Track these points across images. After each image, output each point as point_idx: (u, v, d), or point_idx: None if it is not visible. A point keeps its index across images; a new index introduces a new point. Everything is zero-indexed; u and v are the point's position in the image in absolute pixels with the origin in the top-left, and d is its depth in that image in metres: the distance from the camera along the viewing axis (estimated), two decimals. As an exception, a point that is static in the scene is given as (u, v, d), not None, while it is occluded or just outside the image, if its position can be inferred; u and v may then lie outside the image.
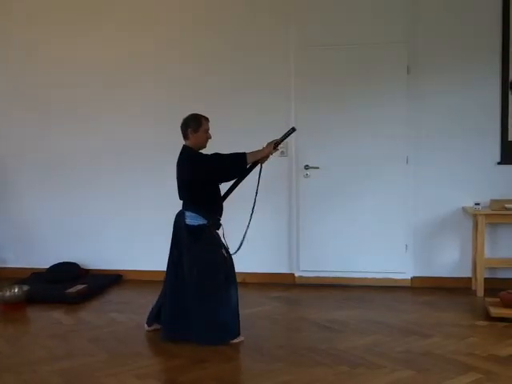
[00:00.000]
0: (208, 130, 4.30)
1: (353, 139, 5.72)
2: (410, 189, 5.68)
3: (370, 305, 5.13)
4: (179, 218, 4.22)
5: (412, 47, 5.59)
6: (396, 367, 3.65)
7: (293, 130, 4.44)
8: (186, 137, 4.26)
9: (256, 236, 5.87)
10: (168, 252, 4.31)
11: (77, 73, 6.12)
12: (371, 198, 5.70)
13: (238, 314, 4.23)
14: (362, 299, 5.31)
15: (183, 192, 4.25)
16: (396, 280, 5.73)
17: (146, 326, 4.44)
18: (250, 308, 5.04)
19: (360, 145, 5.70)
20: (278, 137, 4.37)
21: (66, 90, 6.13)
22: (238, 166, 4.23)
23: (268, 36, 5.81)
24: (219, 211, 4.34)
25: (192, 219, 4.16)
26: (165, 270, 4.32)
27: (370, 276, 5.75)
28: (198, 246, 4.14)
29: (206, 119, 4.30)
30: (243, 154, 4.19)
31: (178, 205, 4.29)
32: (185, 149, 4.26)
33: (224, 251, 4.25)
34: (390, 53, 5.61)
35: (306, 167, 5.80)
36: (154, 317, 4.39)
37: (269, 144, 4.30)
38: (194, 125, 4.23)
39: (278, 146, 4.34)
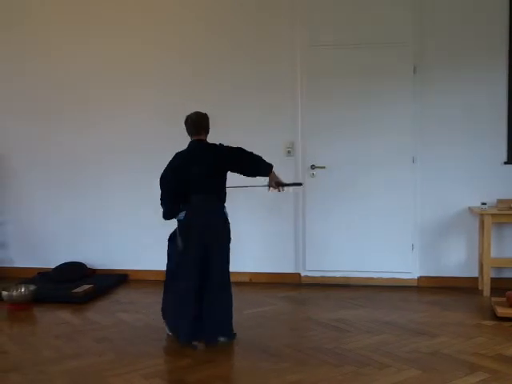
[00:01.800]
0: None
1: (359, 139, 5.72)
2: (416, 188, 5.67)
3: (377, 304, 5.13)
4: (209, 212, 4.14)
5: (418, 47, 5.59)
6: (403, 367, 3.64)
7: (299, 184, 4.81)
8: (202, 133, 4.27)
9: (262, 236, 5.91)
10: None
11: (88, 72, 6.12)
12: (377, 198, 5.70)
13: None
14: (368, 299, 5.31)
15: (212, 184, 4.17)
16: (402, 280, 5.72)
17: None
18: (257, 307, 5.05)
19: (366, 144, 5.70)
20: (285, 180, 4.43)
21: (77, 89, 6.13)
22: (265, 163, 4.28)
23: (275, 35, 5.81)
24: None
25: (225, 211, 4.23)
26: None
27: (376, 276, 5.75)
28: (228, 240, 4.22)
29: None
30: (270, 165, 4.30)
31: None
32: (207, 142, 4.28)
33: None
34: (397, 52, 5.61)
35: (312, 167, 5.79)
36: None
37: (276, 181, 4.31)
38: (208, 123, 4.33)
39: (280, 186, 4.34)
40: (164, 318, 4.34)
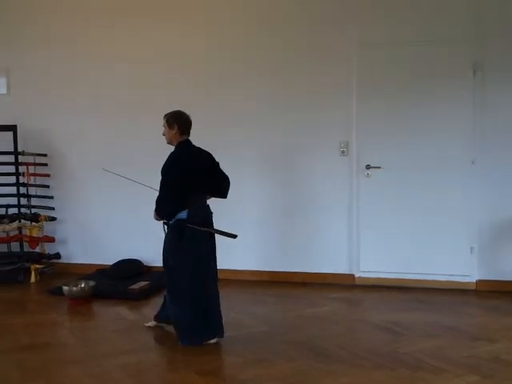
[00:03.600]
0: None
1: (416, 139, 5.61)
2: (475, 190, 5.52)
3: (433, 307, 5.02)
4: (207, 211, 4.27)
5: (478, 45, 5.44)
6: (460, 372, 3.56)
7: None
8: (189, 133, 4.31)
9: (315, 236, 5.88)
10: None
11: (150, 74, 6.24)
12: (435, 199, 5.58)
13: None
14: (424, 302, 5.21)
15: (208, 184, 4.26)
16: (460, 283, 5.58)
17: (154, 321, 4.53)
18: (310, 308, 5.04)
19: (423, 144, 5.59)
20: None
21: (131, 90, 6.26)
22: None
23: (328, 36, 5.77)
24: None
25: None
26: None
27: (433, 278, 5.63)
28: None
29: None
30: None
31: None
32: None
33: None
34: (455, 51, 5.48)
35: (368, 167, 5.73)
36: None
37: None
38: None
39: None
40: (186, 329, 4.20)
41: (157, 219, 4.27)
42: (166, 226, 4.28)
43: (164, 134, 4.31)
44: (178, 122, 4.22)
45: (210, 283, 4.20)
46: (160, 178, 4.12)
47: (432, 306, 5.09)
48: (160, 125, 4.36)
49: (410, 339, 4.19)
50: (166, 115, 4.30)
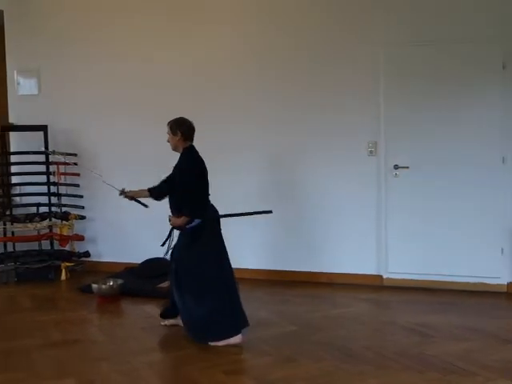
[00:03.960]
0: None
1: (444, 138, 5.55)
2: (506, 189, 5.44)
3: (463, 310, 4.96)
4: (214, 210, 4.37)
5: (507, 44, 5.36)
6: (490, 376, 3.51)
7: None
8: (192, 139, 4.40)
9: (343, 236, 5.86)
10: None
11: (167, 74, 6.27)
12: (464, 199, 5.51)
13: None
14: (453, 304, 5.14)
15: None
16: (491, 285, 5.50)
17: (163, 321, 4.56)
18: (338, 309, 5.02)
19: (452, 144, 5.53)
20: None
21: (157, 90, 6.29)
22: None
23: (357, 36, 5.74)
24: None
25: None
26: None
27: (462, 280, 5.55)
28: None
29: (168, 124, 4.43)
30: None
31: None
32: None
33: None
34: (483, 50, 5.43)
35: (396, 167, 5.68)
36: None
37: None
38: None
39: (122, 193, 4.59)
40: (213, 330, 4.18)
41: (182, 224, 4.26)
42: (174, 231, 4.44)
43: (168, 141, 4.41)
44: (181, 129, 4.32)
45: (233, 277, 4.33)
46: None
47: (461, 308, 5.03)
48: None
49: (439, 341, 4.14)
50: (169, 122, 4.40)
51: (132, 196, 4.56)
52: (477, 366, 3.66)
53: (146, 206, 4.60)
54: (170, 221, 4.35)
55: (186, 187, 4.19)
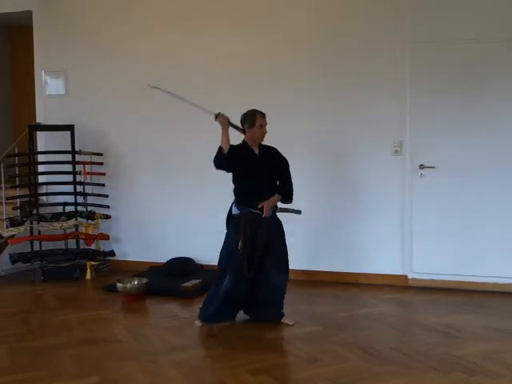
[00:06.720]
0: (263, 125, 4.46)
1: (470, 138, 5.48)
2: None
3: (489, 311, 4.90)
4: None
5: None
6: (517, 377, 3.47)
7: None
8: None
9: (368, 236, 5.82)
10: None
11: (192, 72, 6.29)
12: (492, 199, 5.44)
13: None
14: (480, 304, 5.08)
15: None
16: (519, 286, 5.44)
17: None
18: (363, 309, 5.00)
19: (477, 143, 5.46)
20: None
21: (181, 88, 6.30)
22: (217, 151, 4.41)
23: (383, 34, 5.68)
24: (249, 203, 4.46)
25: (232, 209, 4.57)
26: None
27: (487, 280, 5.48)
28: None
29: (262, 115, 4.47)
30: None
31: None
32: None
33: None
34: (509, 49, 5.33)
35: (421, 167, 5.63)
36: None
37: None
38: (250, 121, 4.46)
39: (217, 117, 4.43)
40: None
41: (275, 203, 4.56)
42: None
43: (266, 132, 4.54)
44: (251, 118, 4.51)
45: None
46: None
47: (487, 308, 4.96)
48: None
49: (464, 342, 4.10)
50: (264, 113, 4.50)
51: (228, 120, 4.42)
52: (502, 367, 3.62)
53: (243, 130, 4.49)
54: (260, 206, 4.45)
55: (289, 174, 4.66)
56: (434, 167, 5.60)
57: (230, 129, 4.39)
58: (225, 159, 4.36)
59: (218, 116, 4.40)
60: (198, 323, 4.54)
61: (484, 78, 5.43)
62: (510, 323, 4.53)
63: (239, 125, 4.50)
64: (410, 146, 5.66)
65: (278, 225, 4.64)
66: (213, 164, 4.42)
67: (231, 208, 4.58)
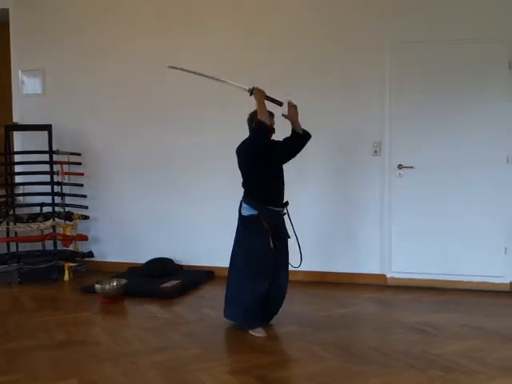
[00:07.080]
0: (272, 125, 4.39)
1: (449, 138, 5.55)
2: (510, 189, 5.44)
3: (467, 309, 4.96)
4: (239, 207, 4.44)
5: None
6: (494, 374, 3.51)
7: (280, 104, 4.44)
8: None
9: (347, 236, 5.85)
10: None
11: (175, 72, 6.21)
12: (468, 199, 5.51)
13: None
14: (457, 303, 5.14)
15: (243, 182, 4.46)
16: (494, 284, 5.50)
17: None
18: (342, 308, 5.02)
19: (456, 144, 5.52)
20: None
21: (166, 88, 6.30)
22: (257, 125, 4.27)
23: (363, 35, 5.73)
24: (270, 201, 4.35)
25: (245, 210, 4.37)
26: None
27: (465, 279, 5.56)
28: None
29: (270, 114, 4.38)
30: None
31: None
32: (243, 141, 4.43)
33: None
34: (490, 49, 5.42)
35: (400, 167, 5.67)
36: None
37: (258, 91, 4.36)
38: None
39: (252, 92, 4.37)
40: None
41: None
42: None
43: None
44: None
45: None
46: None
47: (464, 307, 5.02)
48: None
49: (442, 340, 4.14)
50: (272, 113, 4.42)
51: (264, 93, 4.36)
52: (480, 365, 3.66)
53: (280, 103, 4.40)
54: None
55: None
56: (412, 167, 5.65)
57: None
58: (268, 133, 4.28)
59: (253, 90, 4.34)
60: (261, 332, 4.30)
61: (463, 80, 5.49)
62: (491, 322, 4.58)
63: (274, 99, 4.41)
64: (389, 147, 5.70)
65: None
66: (256, 139, 4.29)
67: (243, 209, 4.40)
